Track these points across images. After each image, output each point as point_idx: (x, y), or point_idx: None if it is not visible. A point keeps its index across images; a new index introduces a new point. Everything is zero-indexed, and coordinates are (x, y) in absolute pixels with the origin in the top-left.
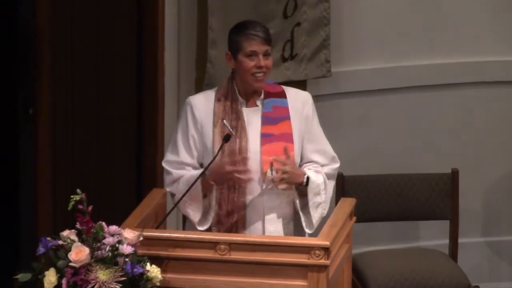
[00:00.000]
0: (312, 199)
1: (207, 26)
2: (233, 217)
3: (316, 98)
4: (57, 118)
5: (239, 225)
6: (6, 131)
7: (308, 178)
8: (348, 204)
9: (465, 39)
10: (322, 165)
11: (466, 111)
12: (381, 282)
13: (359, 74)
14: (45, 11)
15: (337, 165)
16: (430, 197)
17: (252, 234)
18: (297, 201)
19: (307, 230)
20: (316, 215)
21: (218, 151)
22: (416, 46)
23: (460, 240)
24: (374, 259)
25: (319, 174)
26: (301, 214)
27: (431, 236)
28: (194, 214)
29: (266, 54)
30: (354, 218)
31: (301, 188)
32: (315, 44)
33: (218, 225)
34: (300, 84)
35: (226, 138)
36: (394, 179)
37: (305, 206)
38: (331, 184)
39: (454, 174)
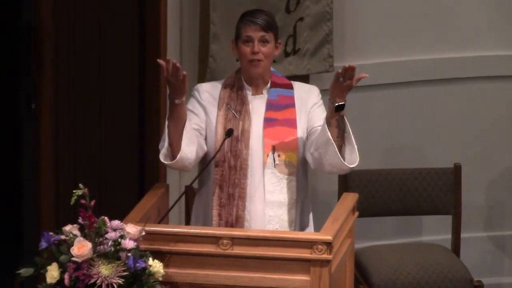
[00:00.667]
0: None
1: (209, 21)
2: (233, 199)
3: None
4: (59, 114)
5: (239, 208)
6: (8, 126)
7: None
8: (350, 198)
9: (468, 33)
10: None
11: (469, 106)
12: (384, 276)
13: (362, 69)
14: (47, 8)
15: None
16: (432, 192)
17: (253, 218)
18: (329, 135)
19: (348, 163)
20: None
21: (221, 145)
22: (418, 40)
23: (462, 235)
24: (377, 254)
25: None
26: (335, 145)
27: (434, 230)
28: (162, 144)
29: (263, 41)
30: (357, 213)
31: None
32: (318, 39)
33: (219, 207)
34: (303, 79)
35: (229, 133)
36: (396, 173)
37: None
38: None
39: (457, 168)
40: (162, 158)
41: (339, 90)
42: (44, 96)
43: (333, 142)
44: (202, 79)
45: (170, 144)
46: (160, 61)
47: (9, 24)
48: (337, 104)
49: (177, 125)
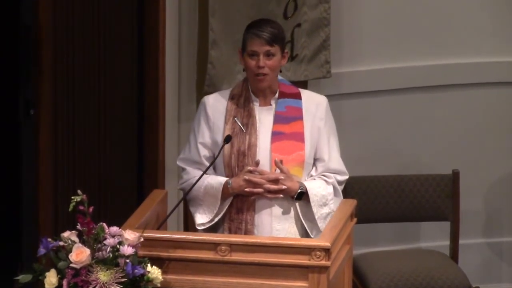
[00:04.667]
0: (319, 211)
1: (207, 28)
2: (242, 213)
3: None
4: (58, 119)
5: (248, 222)
6: (7, 132)
7: (300, 193)
8: (349, 205)
9: (466, 39)
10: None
11: (467, 112)
12: (382, 283)
13: (359, 75)
14: (46, 13)
15: (341, 177)
16: (431, 198)
17: (260, 232)
18: (298, 208)
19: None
20: (324, 226)
21: (219, 151)
22: (416, 47)
23: (461, 241)
24: (375, 260)
25: (329, 185)
26: (304, 221)
27: (432, 237)
28: (201, 217)
29: (268, 55)
30: (355, 219)
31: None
32: (315, 45)
33: (229, 221)
34: (301, 85)
35: (227, 139)
36: (395, 180)
37: (307, 213)
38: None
39: (455, 175)
40: (202, 227)
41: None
42: (43, 101)
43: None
44: (200, 85)
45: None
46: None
47: (8, 29)
48: (295, 197)
49: (225, 201)
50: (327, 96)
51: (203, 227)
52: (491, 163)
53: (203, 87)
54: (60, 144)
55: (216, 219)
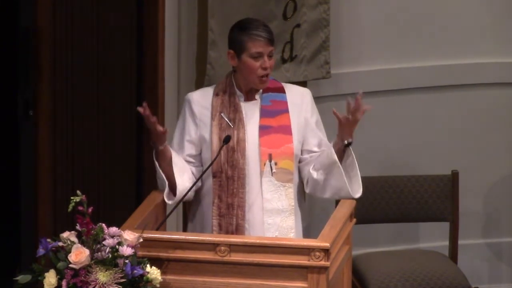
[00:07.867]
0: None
1: (207, 28)
2: (233, 208)
3: (316, 100)
4: (57, 120)
5: (239, 217)
6: (6, 133)
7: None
8: (348, 205)
9: (465, 40)
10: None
11: (466, 113)
12: (381, 283)
13: (359, 76)
14: (45, 13)
15: None
16: (430, 199)
17: (252, 227)
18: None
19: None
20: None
21: (218, 152)
22: (415, 47)
23: (460, 242)
24: (374, 261)
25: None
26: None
27: (431, 237)
28: (162, 185)
29: (270, 55)
30: (354, 220)
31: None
32: (315, 46)
33: (219, 217)
34: (300, 86)
35: (226, 140)
36: (394, 180)
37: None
38: None
39: (454, 175)
40: (166, 199)
41: (347, 128)
42: (42, 102)
43: (340, 165)
44: (200, 86)
45: (168, 180)
46: (140, 109)
47: (8, 31)
48: (347, 142)
49: (166, 162)
50: (327, 96)
51: (170, 199)
52: (490, 163)
53: (203, 88)
54: (59, 144)
55: (180, 188)
